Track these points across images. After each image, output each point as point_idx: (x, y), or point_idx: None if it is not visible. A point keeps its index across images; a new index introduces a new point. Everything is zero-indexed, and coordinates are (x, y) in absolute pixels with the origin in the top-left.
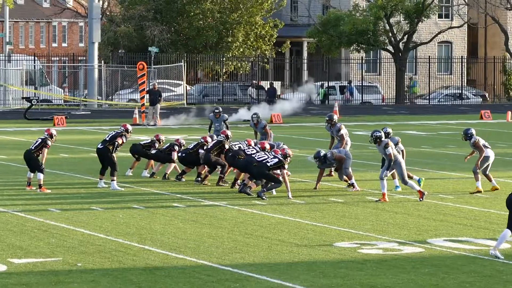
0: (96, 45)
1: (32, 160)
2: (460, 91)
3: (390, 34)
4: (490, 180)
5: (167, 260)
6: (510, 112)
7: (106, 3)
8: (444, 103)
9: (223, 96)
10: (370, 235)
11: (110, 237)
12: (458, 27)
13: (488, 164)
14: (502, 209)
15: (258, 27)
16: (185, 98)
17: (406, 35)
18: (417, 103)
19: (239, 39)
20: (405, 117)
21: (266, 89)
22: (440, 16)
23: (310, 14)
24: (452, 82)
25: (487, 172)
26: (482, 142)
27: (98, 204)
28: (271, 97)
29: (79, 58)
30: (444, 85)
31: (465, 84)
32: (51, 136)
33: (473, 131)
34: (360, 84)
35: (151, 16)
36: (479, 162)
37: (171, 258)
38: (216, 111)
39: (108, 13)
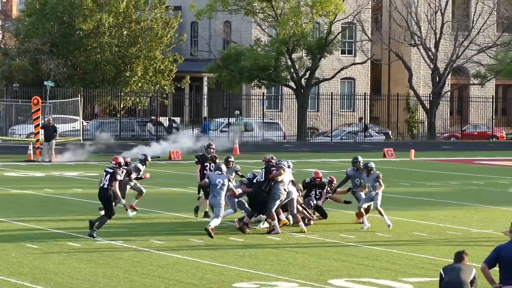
0: None
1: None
2: (363, 129)
3: (292, 70)
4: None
5: None
6: (413, 151)
7: (0, 36)
8: (347, 140)
9: (121, 132)
10: (270, 275)
11: (2, 277)
12: (361, 63)
13: None
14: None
15: (157, 61)
16: (81, 134)
17: (309, 71)
18: (319, 140)
19: (138, 74)
20: (307, 155)
21: (165, 125)
22: (343, 52)
23: (210, 49)
24: (355, 119)
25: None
26: None
27: None
28: (170, 133)
29: None
30: (347, 122)
31: (368, 122)
32: (119, 165)
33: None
34: (261, 121)
35: (47, 49)
36: None
37: None
38: (229, 159)
39: (2, 46)
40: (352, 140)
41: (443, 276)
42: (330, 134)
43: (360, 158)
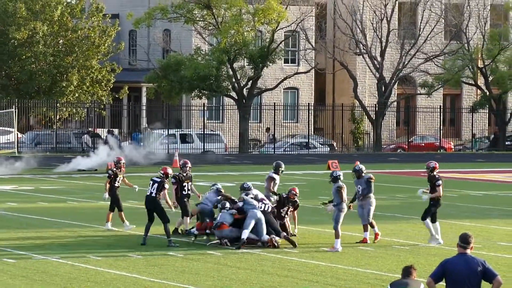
0: None
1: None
2: (307, 140)
3: (234, 80)
4: None
5: None
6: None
7: None
8: (290, 152)
9: (57, 144)
10: None
11: None
12: (305, 72)
13: None
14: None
15: (94, 71)
16: (16, 146)
17: (251, 81)
18: (262, 152)
19: (74, 84)
20: (249, 167)
21: (103, 137)
22: (286, 61)
23: (149, 58)
24: (299, 131)
25: None
26: None
27: None
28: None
29: None
30: (290, 133)
31: (312, 133)
32: (167, 176)
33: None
34: (202, 132)
35: None
36: None
37: None
38: (219, 189)
39: None
40: (296, 152)
41: None
42: (273, 146)
43: (359, 167)
